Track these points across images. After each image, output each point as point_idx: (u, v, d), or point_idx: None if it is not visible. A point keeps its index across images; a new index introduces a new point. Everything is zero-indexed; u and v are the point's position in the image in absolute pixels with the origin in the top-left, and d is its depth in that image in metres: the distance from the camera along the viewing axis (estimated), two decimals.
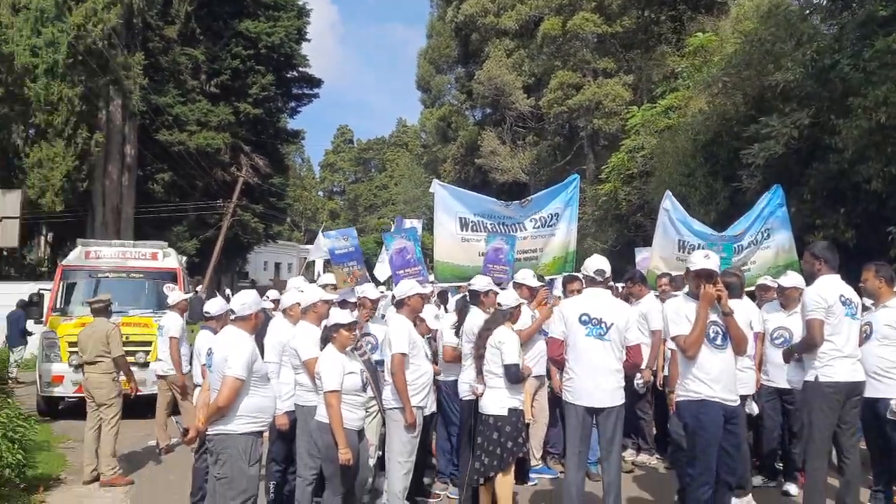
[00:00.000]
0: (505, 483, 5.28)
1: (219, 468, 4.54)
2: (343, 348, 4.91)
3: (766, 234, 8.13)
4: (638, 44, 23.16)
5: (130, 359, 8.85)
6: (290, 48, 35.60)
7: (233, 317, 4.78)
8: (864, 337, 5.24)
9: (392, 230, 13.19)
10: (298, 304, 5.83)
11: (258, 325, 4.94)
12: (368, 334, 6.27)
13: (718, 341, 4.58)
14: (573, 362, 5.04)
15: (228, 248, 36.10)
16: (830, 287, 5.04)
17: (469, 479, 5.48)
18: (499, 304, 5.62)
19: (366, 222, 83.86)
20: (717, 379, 4.53)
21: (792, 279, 6.37)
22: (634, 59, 22.97)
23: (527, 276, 6.81)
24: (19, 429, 7.18)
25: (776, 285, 6.72)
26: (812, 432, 4.93)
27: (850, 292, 5.13)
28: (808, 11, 10.43)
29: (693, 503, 4.54)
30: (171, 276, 11.48)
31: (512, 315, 5.57)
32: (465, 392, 5.85)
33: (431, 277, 9.07)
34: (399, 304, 5.77)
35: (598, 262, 5.26)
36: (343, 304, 6.49)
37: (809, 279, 5.40)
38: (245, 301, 4.79)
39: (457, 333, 6.13)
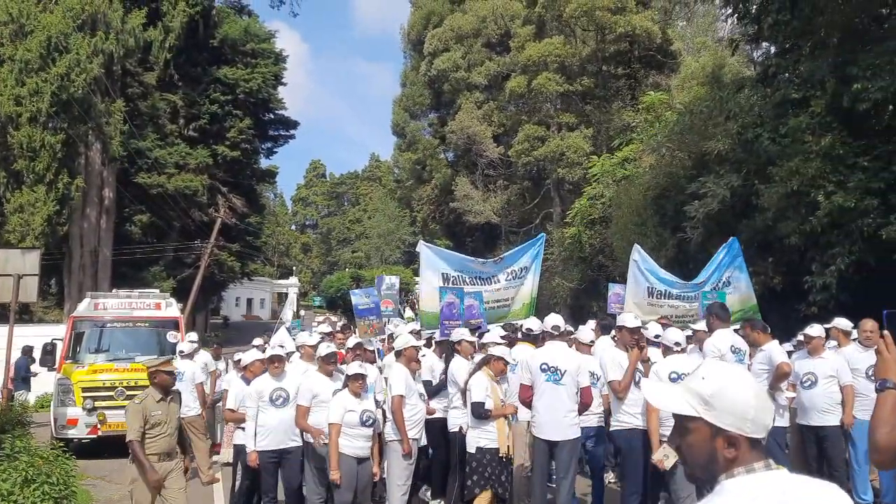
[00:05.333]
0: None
1: None
2: (355, 393, 6.10)
3: (727, 282, 9.14)
4: (596, 98, 24.91)
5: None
6: (268, 93, 36.71)
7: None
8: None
9: (378, 286, 14.10)
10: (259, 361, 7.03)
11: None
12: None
13: (641, 383, 5.81)
14: (536, 402, 6.02)
15: (204, 287, 36.72)
16: (723, 339, 6.29)
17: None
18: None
19: (339, 256, 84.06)
20: (643, 412, 5.73)
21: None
22: (594, 112, 24.69)
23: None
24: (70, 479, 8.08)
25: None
26: None
27: (739, 342, 6.39)
28: (738, 88, 12.01)
29: None
30: (174, 325, 12.35)
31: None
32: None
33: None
34: (398, 354, 6.86)
35: (554, 320, 6.44)
36: (358, 347, 7.62)
37: (710, 331, 6.52)
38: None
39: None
